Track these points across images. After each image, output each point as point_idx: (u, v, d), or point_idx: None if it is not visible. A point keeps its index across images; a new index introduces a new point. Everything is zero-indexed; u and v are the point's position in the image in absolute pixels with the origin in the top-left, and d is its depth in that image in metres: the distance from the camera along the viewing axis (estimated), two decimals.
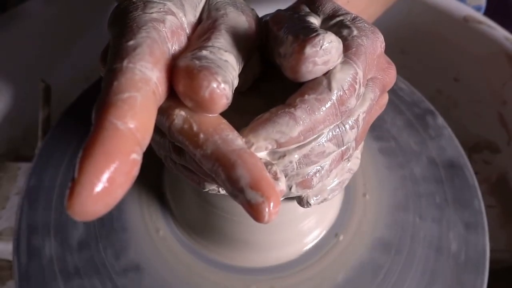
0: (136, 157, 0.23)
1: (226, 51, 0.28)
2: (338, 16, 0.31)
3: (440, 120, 0.51)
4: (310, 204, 0.33)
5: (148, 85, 0.25)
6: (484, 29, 0.63)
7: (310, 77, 0.28)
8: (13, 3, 0.77)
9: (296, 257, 0.40)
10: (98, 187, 0.21)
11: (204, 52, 0.27)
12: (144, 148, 0.24)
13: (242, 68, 0.30)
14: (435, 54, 0.69)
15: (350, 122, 0.30)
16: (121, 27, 0.28)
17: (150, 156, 0.42)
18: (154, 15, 0.28)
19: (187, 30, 0.31)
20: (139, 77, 0.25)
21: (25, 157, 0.59)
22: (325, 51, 0.27)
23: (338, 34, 0.29)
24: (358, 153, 0.36)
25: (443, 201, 0.44)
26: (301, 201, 0.33)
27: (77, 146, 0.47)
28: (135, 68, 0.25)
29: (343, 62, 0.28)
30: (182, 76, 0.26)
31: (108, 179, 0.21)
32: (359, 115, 0.30)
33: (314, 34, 0.27)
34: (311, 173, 0.31)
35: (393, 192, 0.45)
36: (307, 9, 0.33)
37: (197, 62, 0.26)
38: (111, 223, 0.42)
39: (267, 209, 0.24)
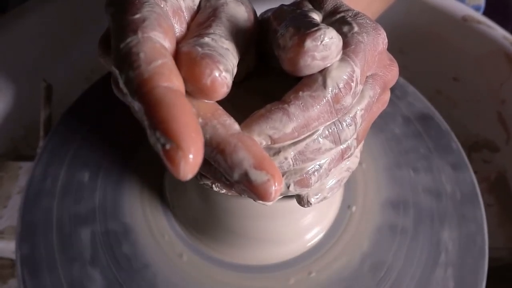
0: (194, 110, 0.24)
1: (227, 39, 0.28)
2: (340, 12, 0.32)
3: (401, 79, 0.53)
4: (311, 203, 0.33)
5: (168, 51, 0.26)
6: (483, 29, 0.63)
7: (307, 71, 0.28)
8: (14, 4, 0.77)
9: (298, 254, 0.40)
10: (197, 143, 0.22)
11: (206, 39, 0.27)
12: None
13: (239, 60, 0.30)
14: (434, 54, 0.70)
15: (347, 120, 0.30)
16: (123, 4, 0.28)
17: (151, 155, 0.43)
18: None
19: (185, 14, 0.31)
20: (159, 45, 0.25)
21: (26, 156, 0.59)
22: (325, 46, 0.27)
23: (338, 30, 0.29)
24: (357, 152, 0.36)
25: (427, 151, 0.48)
26: (301, 201, 0.34)
27: (79, 145, 0.47)
28: (151, 37, 0.25)
29: (341, 60, 0.28)
30: (184, 62, 0.26)
31: (198, 132, 0.23)
32: (356, 112, 0.30)
33: (316, 28, 0.27)
34: (309, 172, 0.31)
35: (384, 154, 0.48)
36: (310, 6, 0.33)
37: (199, 49, 0.26)
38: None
39: (273, 187, 0.25)
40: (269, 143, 0.28)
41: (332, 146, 0.30)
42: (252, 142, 0.26)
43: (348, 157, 0.33)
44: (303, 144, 0.29)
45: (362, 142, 0.35)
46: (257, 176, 0.25)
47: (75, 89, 0.56)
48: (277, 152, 0.29)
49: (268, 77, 0.35)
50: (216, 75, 0.26)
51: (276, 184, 0.25)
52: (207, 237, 0.41)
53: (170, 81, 0.24)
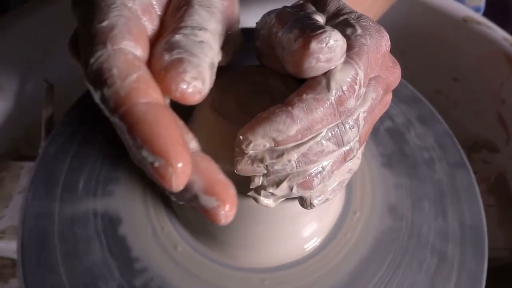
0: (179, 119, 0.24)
1: (200, 29, 0.27)
2: (343, 14, 0.31)
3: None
4: (313, 205, 0.33)
5: (141, 61, 0.25)
6: (483, 30, 0.64)
7: (311, 73, 0.28)
8: (15, 4, 0.77)
9: (300, 256, 0.40)
10: (185, 156, 0.22)
11: (177, 37, 0.27)
12: None
13: (223, 41, 0.30)
14: (434, 54, 0.70)
15: (350, 122, 0.30)
16: (88, 8, 0.27)
17: None
18: None
19: (156, 8, 0.30)
20: (132, 56, 0.25)
21: (27, 156, 0.59)
22: (330, 48, 0.27)
23: (342, 32, 0.29)
24: (359, 153, 0.35)
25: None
26: (304, 203, 0.33)
27: (80, 145, 0.47)
28: (122, 48, 0.24)
29: (344, 62, 0.28)
30: (154, 75, 0.26)
31: (184, 144, 0.23)
32: (359, 115, 0.30)
33: (321, 30, 0.27)
34: (312, 174, 0.31)
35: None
36: (313, 8, 0.33)
37: (166, 56, 0.25)
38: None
39: (222, 212, 0.24)
40: (273, 145, 0.28)
41: (335, 148, 0.30)
42: (207, 164, 0.25)
43: (351, 159, 0.33)
44: (306, 146, 0.29)
45: (364, 143, 0.35)
46: (206, 201, 0.24)
47: (76, 89, 0.56)
48: (281, 154, 0.29)
49: (271, 78, 0.35)
50: (184, 88, 0.25)
51: (227, 208, 0.24)
52: (208, 238, 0.41)
53: (148, 95, 0.23)
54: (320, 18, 0.31)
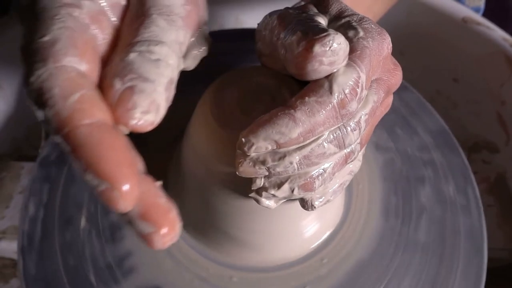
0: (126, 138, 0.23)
1: (157, 44, 0.26)
2: (345, 17, 0.31)
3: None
4: (315, 207, 0.33)
5: (86, 77, 0.24)
6: (483, 30, 0.64)
7: (314, 76, 0.28)
8: (16, 4, 0.77)
9: (302, 255, 0.41)
10: (131, 178, 0.22)
11: (131, 56, 0.25)
12: None
13: (188, 47, 0.29)
14: (434, 55, 0.70)
15: (351, 124, 0.30)
16: (31, 18, 0.26)
17: (154, 156, 0.43)
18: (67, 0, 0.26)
19: (109, 14, 0.28)
20: (75, 74, 0.23)
21: (28, 156, 0.60)
22: (333, 52, 0.27)
23: (344, 35, 0.29)
24: (359, 155, 0.36)
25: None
26: (305, 204, 0.34)
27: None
28: (64, 66, 0.23)
29: (347, 65, 0.28)
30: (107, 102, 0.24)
31: (131, 164, 0.22)
32: (361, 117, 0.30)
33: (325, 33, 0.27)
34: (314, 176, 0.31)
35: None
36: (315, 10, 0.33)
37: (117, 85, 0.24)
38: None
39: (157, 238, 0.23)
40: (275, 147, 0.28)
41: (337, 150, 0.30)
42: (146, 187, 0.24)
43: (352, 161, 0.33)
44: (308, 148, 0.29)
45: (365, 145, 0.35)
46: (142, 227, 0.23)
47: None
48: (283, 156, 0.29)
49: (272, 79, 0.35)
50: (133, 123, 0.24)
51: (163, 233, 0.23)
52: (208, 238, 0.41)
53: (92, 116, 0.22)
54: (322, 20, 0.31)
